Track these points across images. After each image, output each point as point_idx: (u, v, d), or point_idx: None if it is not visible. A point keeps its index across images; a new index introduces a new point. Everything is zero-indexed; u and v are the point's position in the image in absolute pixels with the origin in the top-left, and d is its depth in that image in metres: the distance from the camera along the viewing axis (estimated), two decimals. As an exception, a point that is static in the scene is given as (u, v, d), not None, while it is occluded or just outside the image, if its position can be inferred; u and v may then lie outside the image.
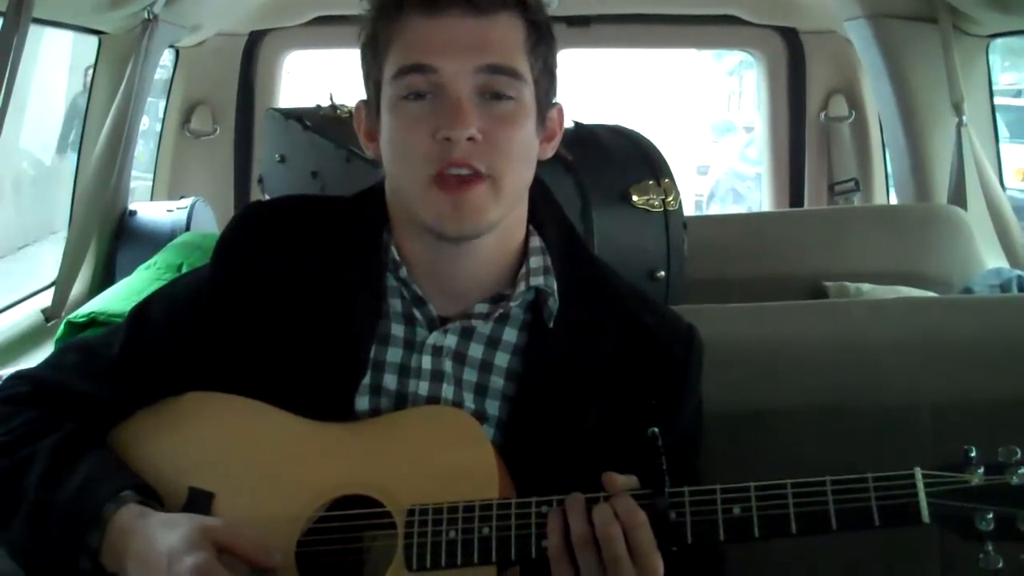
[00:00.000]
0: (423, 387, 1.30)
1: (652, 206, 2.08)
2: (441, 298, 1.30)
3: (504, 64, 1.22)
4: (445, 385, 1.29)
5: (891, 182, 3.61)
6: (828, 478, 1.15)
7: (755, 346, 1.78)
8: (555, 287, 1.30)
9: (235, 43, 3.69)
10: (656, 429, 1.17)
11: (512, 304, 1.29)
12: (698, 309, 1.64)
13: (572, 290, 1.32)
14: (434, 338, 1.30)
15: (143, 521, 1.23)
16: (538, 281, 1.30)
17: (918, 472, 1.14)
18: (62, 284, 2.78)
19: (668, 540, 1.16)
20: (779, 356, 1.78)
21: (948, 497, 1.13)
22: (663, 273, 2.08)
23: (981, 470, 1.13)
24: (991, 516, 1.12)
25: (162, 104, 3.68)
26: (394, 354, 1.31)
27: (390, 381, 1.30)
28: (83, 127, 3.01)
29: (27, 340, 2.63)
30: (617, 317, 1.33)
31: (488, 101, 1.22)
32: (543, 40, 1.26)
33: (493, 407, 1.30)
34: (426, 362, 1.30)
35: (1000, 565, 1.12)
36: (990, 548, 1.12)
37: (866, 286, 2.59)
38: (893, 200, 3.58)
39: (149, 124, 4.01)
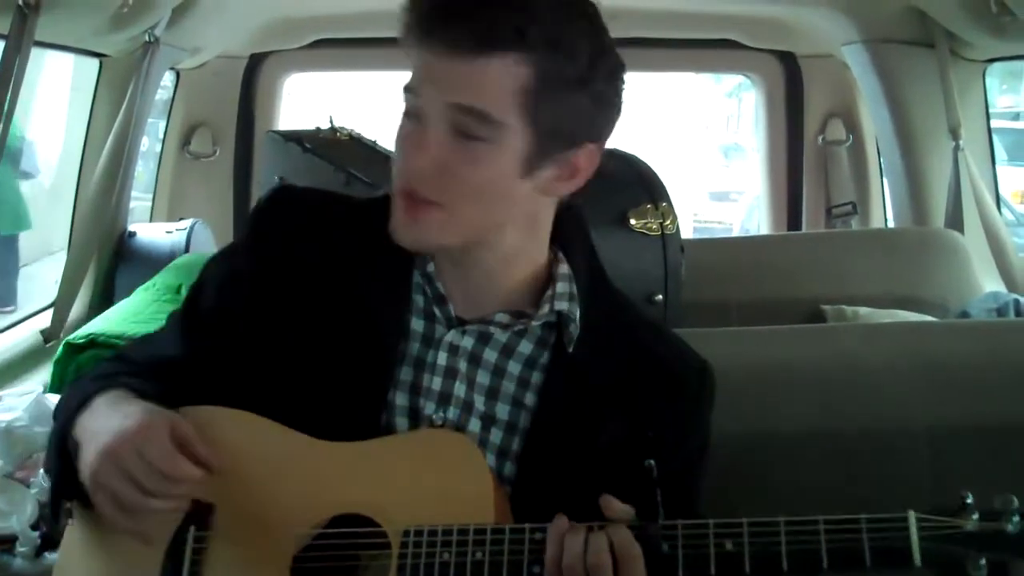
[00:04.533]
0: (436, 382, 1.32)
1: (650, 230, 2.09)
2: (461, 301, 1.33)
3: (475, 106, 1.21)
4: (457, 383, 1.32)
5: (888, 206, 3.62)
6: (821, 517, 1.15)
7: (752, 369, 1.78)
8: (578, 314, 1.33)
9: (235, 65, 3.71)
10: (652, 461, 1.19)
11: (534, 323, 1.32)
12: (695, 333, 1.65)
13: (591, 318, 1.34)
14: (451, 336, 1.32)
15: (121, 396, 1.31)
16: (563, 306, 1.32)
17: (912, 515, 1.14)
18: (61, 305, 2.78)
19: (659, 573, 1.16)
20: (776, 380, 1.78)
21: (941, 541, 1.12)
22: (660, 296, 2.09)
23: (976, 516, 1.12)
24: (984, 563, 1.11)
25: (162, 125, 3.69)
26: (411, 348, 1.33)
27: (406, 373, 1.33)
28: (83, 148, 3.02)
29: (26, 361, 2.63)
30: (632, 348, 1.36)
31: (460, 137, 1.23)
32: (563, 89, 1.23)
33: (503, 412, 1.32)
34: (441, 358, 1.32)
35: None
36: None
37: (863, 310, 2.59)
38: (891, 224, 3.58)
39: (149, 144, 4.02)
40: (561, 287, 1.33)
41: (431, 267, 1.33)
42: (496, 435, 1.32)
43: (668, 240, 2.12)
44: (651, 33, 3.60)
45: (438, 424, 1.32)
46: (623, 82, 1.28)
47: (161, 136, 3.70)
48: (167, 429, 1.25)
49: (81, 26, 2.52)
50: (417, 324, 1.34)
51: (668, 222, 2.12)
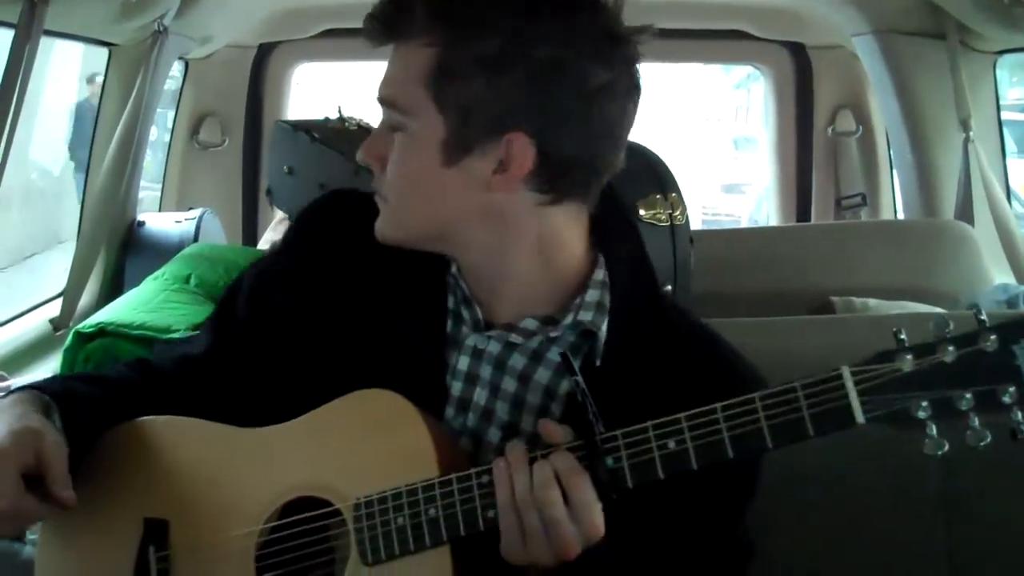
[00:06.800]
0: (456, 387, 1.29)
1: (659, 220, 2.08)
2: (488, 303, 1.29)
3: (386, 96, 1.24)
4: (479, 389, 1.28)
5: (898, 197, 3.61)
6: (757, 394, 1.13)
7: (761, 361, 1.77)
8: (604, 327, 1.27)
9: (245, 55, 3.71)
10: (579, 378, 1.16)
11: (553, 335, 1.27)
12: (704, 324, 1.65)
13: (630, 329, 1.28)
14: (474, 339, 1.28)
15: (10, 404, 1.26)
16: (587, 316, 1.26)
17: (846, 371, 1.10)
18: (70, 294, 2.79)
19: (608, 488, 1.15)
20: (785, 371, 1.77)
21: (881, 391, 1.09)
22: (669, 287, 2.08)
23: (911, 355, 1.09)
24: (927, 403, 1.08)
25: (171, 115, 3.69)
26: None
27: None
28: (92, 138, 3.03)
29: (35, 350, 2.64)
30: (673, 361, 1.29)
31: (390, 131, 1.25)
32: (472, 73, 1.18)
33: (529, 422, 1.27)
34: (463, 363, 1.29)
35: (947, 448, 1.08)
36: (933, 432, 1.08)
37: (872, 301, 2.59)
38: (900, 215, 3.58)
39: (157, 135, 4.03)
40: (591, 295, 1.27)
41: (454, 268, 1.30)
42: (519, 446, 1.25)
43: (677, 231, 2.11)
44: (660, 24, 3.57)
45: (456, 431, 1.28)
46: (586, 70, 1.19)
47: (170, 126, 3.70)
48: (17, 461, 1.18)
49: (90, 15, 2.53)
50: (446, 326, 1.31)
51: (677, 213, 2.11)
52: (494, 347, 1.28)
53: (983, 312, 1.08)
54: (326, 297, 1.33)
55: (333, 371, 1.29)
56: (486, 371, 1.28)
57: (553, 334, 1.27)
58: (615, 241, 1.32)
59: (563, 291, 1.28)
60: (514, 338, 1.27)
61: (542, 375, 1.28)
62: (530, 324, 1.28)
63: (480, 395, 1.28)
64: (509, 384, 1.28)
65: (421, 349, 1.29)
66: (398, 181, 1.25)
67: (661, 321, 1.32)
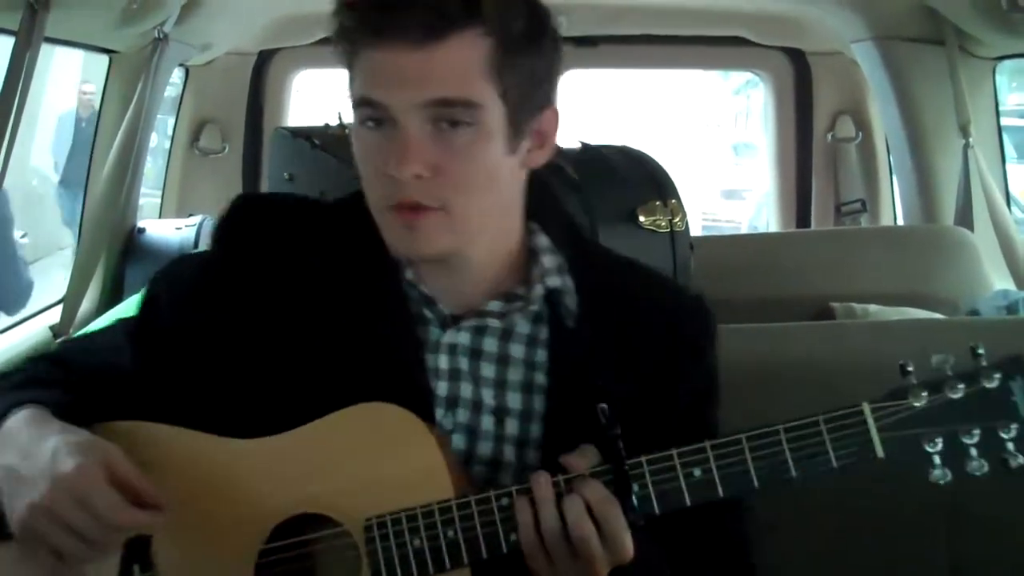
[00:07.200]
0: (442, 387, 1.27)
1: (659, 227, 2.09)
2: (449, 297, 1.28)
3: (453, 96, 1.17)
4: (463, 384, 1.27)
5: (898, 203, 3.61)
6: (781, 426, 1.17)
7: (761, 367, 1.78)
8: (572, 286, 1.29)
9: (245, 62, 3.71)
10: (605, 405, 1.16)
11: (532, 308, 1.28)
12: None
13: (584, 284, 1.30)
14: (449, 336, 1.27)
15: (38, 420, 1.20)
16: (555, 282, 1.28)
17: (866, 407, 1.16)
18: (70, 301, 2.79)
19: (635, 515, 1.15)
20: (785, 377, 1.78)
21: (898, 426, 1.16)
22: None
23: (925, 392, 1.16)
24: (938, 437, 1.15)
25: (171, 121, 3.70)
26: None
27: None
28: (93, 144, 3.03)
29: (35, 357, 2.63)
30: (626, 304, 1.31)
31: (444, 131, 1.18)
32: (519, 52, 1.19)
33: (515, 400, 1.28)
34: (443, 361, 1.27)
35: (950, 478, 1.15)
36: (938, 462, 1.15)
37: (873, 307, 2.59)
38: (900, 221, 3.58)
39: (158, 141, 4.03)
40: (548, 261, 1.29)
41: (409, 273, 1.27)
42: (512, 426, 1.27)
43: (677, 237, 2.11)
44: (659, 30, 3.60)
45: (448, 429, 1.26)
46: (559, 39, 1.25)
47: (170, 133, 3.71)
48: (105, 473, 1.14)
49: (91, 22, 2.53)
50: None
51: (677, 219, 2.11)
52: (464, 338, 1.28)
53: (981, 347, 1.16)
54: (264, 308, 1.27)
55: (292, 385, 1.24)
56: (464, 363, 1.28)
57: (533, 307, 1.28)
58: (542, 204, 1.34)
59: (514, 264, 1.30)
60: (490, 322, 1.28)
61: (516, 351, 1.29)
62: (496, 306, 1.28)
63: (465, 389, 1.28)
64: (488, 370, 1.28)
65: (395, 356, 1.26)
66: (463, 182, 1.19)
67: (608, 269, 1.35)
